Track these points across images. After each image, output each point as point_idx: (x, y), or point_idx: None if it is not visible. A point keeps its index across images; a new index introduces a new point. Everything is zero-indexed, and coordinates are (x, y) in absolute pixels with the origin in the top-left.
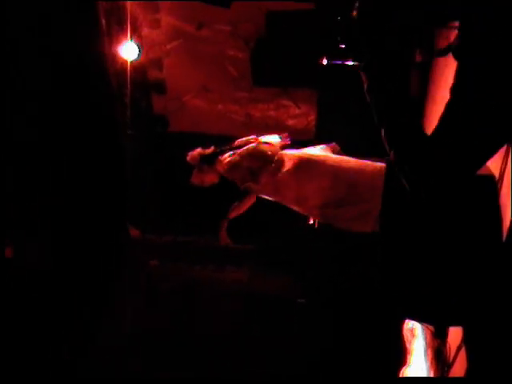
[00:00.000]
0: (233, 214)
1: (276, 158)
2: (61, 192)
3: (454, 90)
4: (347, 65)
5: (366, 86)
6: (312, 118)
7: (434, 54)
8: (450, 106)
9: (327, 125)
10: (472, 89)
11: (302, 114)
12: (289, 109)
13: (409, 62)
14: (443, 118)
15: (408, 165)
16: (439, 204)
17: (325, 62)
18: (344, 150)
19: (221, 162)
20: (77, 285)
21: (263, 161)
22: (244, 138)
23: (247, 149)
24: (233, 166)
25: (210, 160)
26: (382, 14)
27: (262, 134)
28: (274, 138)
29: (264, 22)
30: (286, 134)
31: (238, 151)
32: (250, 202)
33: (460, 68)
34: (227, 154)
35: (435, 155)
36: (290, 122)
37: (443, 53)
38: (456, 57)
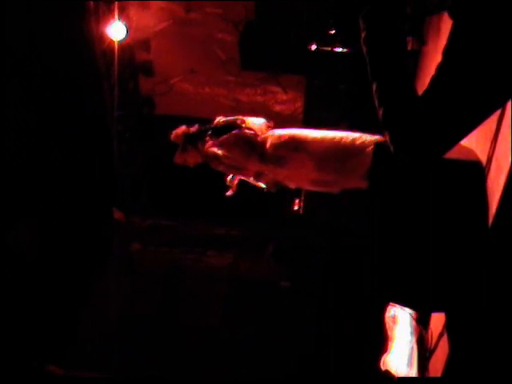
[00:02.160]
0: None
1: (259, 141)
2: (46, 175)
3: (447, 50)
4: (336, 51)
5: (363, 35)
6: (299, 104)
7: (427, 10)
8: (442, 67)
9: (315, 111)
10: (466, 49)
11: (290, 100)
12: (276, 94)
13: (405, 19)
14: (434, 79)
15: (397, 123)
16: (424, 171)
17: (314, 47)
18: None
19: (205, 149)
20: (61, 270)
21: (247, 150)
22: (230, 118)
23: (229, 137)
24: (216, 157)
25: (194, 140)
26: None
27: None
28: (259, 121)
29: (254, 6)
30: (272, 122)
31: (221, 139)
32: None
33: (455, 27)
34: (210, 142)
35: (425, 115)
36: (277, 108)
37: (438, 9)
38: (451, 14)
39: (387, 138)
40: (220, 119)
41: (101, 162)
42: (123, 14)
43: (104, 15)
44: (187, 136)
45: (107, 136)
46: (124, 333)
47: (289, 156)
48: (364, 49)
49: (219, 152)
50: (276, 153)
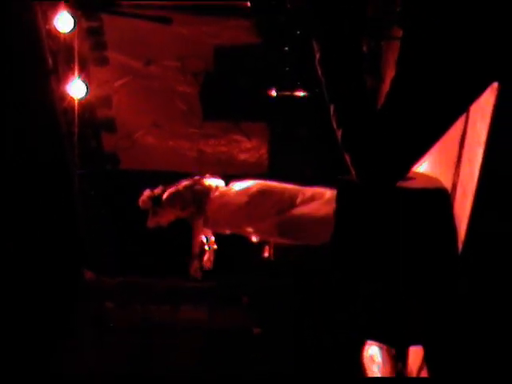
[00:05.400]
0: (196, 249)
1: (217, 190)
2: (12, 237)
3: (399, 62)
4: (296, 96)
5: (317, 56)
6: (264, 151)
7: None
8: (395, 80)
9: (279, 157)
10: (418, 59)
11: (254, 148)
12: (240, 143)
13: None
14: (389, 92)
15: (356, 143)
16: (387, 192)
17: (274, 93)
18: (296, 181)
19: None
20: (31, 326)
21: (204, 191)
22: (189, 179)
23: (188, 181)
24: (173, 195)
25: (161, 201)
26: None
27: (210, 175)
28: (217, 182)
29: (212, 56)
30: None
31: (177, 186)
32: (199, 230)
33: (404, 37)
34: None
35: (383, 131)
36: (242, 157)
37: (389, 24)
38: (400, 25)
39: (347, 161)
40: (183, 181)
41: (66, 222)
42: (83, 72)
43: (64, 73)
44: (153, 199)
45: (71, 195)
46: None
47: (247, 197)
48: (319, 70)
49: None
50: (235, 195)
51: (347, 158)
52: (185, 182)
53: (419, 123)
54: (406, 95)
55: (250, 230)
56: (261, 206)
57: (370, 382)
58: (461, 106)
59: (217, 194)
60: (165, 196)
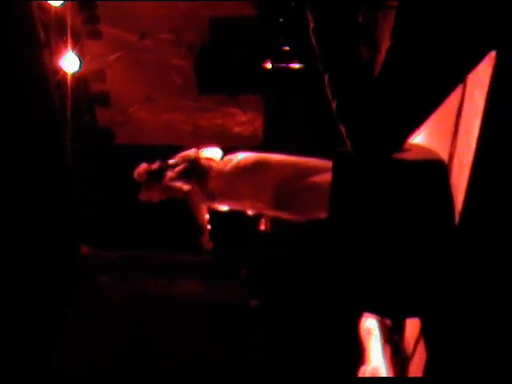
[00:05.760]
0: (202, 222)
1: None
2: (7, 212)
3: (395, 31)
4: (292, 68)
5: (312, 26)
6: (259, 123)
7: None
8: (391, 50)
9: (274, 130)
10: (413, 28)
11: (249, 121)
12: (235, 116)
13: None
14: (385, 64)
15: (351, 115)
16: (383, 165)
17: (269, 65)
18: (292, 153)
19: (164, 181)
20: (26, 304)
21: (202, 171)
22: (185, 152)
23: (183, 165)
24: (168, 188)
25: (156, 176)
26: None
27: (206, 146)
28: (215, 152)
29: (207, 29)
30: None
31: (175, 169)
32: (199, 205)
33: (400, 6)
34: (169, 174)
35: (377, 104)
36: (237, 129)
37: None
38: None
39: (343, 132)
40: (180, 155)
41: (62, 198)
42: (76, 46)
43: (56, 47)
44: (150, 173)
45: (67, 171)
46: (100, 368)
47: (247, 171)
48: (314, 39)
49: (171, 179)
50: (235, 169)
51: (342, 129)
52: (180, 167)
53: (415, 93)
54: (401, 65)
55: (247, 202)
56: (258, 178)
57: (369, 382)
58: (457, 75)
59: (214, 169)
60: (163, 184)
